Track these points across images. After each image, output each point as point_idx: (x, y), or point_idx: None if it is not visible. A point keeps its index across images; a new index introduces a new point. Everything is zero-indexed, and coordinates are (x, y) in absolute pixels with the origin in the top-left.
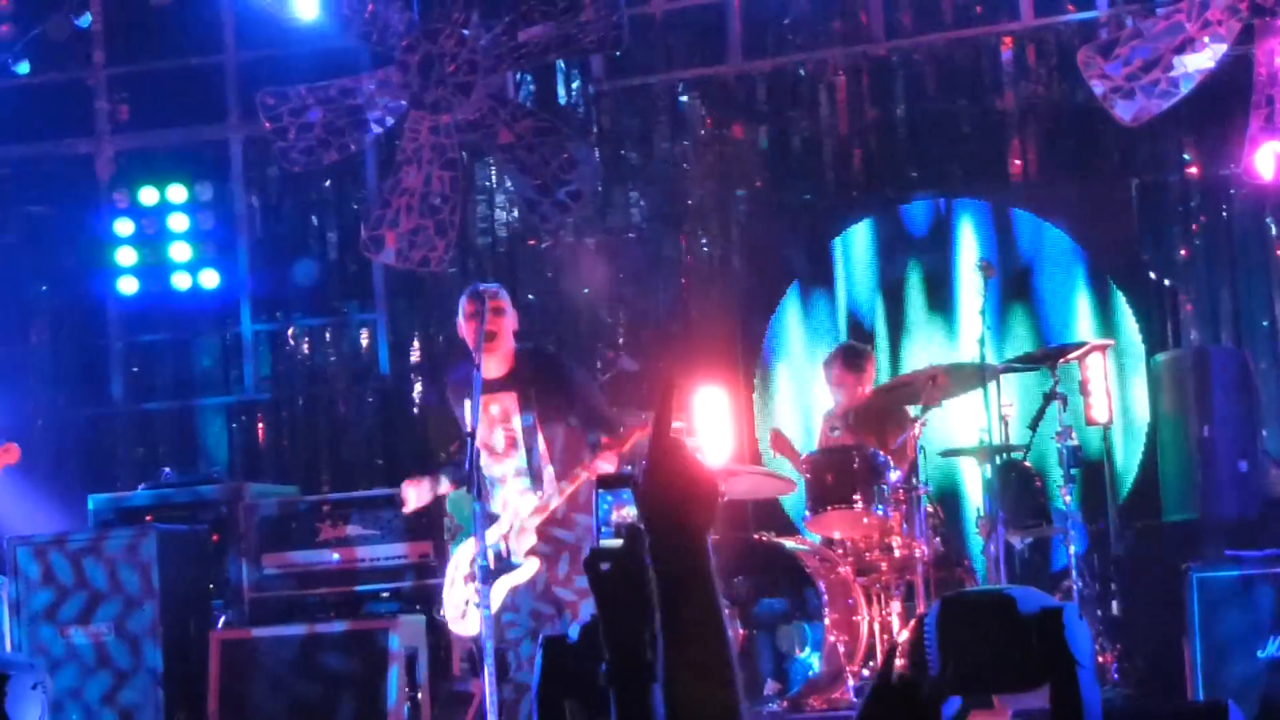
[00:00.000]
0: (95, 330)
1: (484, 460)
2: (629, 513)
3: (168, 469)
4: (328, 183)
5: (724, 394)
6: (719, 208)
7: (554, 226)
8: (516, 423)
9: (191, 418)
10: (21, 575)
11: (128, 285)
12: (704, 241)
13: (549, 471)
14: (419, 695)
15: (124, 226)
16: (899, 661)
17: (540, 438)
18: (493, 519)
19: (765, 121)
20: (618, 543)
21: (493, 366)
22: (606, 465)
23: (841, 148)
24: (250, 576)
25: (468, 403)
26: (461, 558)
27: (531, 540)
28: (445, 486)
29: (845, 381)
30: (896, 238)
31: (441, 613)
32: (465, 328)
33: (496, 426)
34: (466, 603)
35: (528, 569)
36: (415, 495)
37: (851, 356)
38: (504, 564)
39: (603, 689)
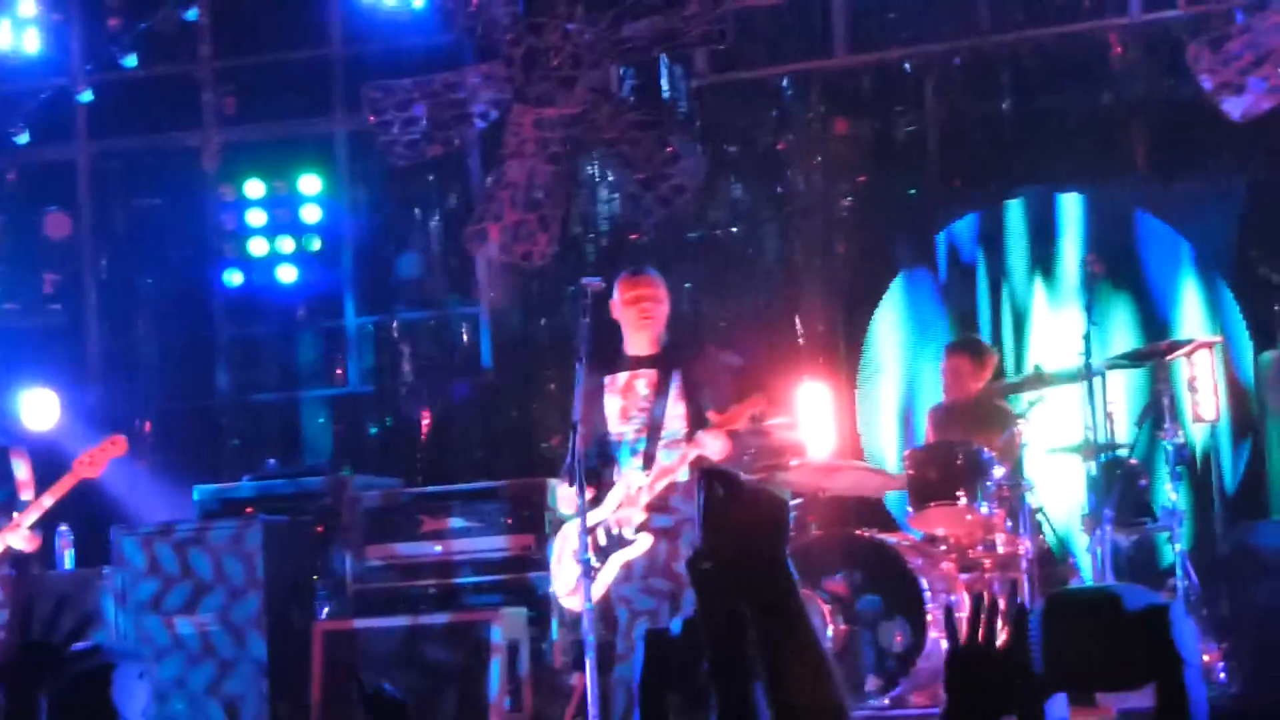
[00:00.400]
0: (201, 322)
1: (614, 427)
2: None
3: (273, 461)
4: (431, 177)
5: (826, 389)
6: (822, 202)
7: (656, 221)
8: (648, 401)
9: (296, 410)
10: (127, 565)
11: (233, 278)
12: (807, 236)
13: (671, 456)
14: (521, 687)
15: (230, 219)
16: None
17: (667, 420)
18: (599, 499)
19: (869, 115)
20: None
21: (643, 345)
22: (713, 441)
23: (946, 142)
24: (354, 568)
25: (607, 388)
26: (571, 532)
27: (641, 517)
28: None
29: (961, 374)
30: (1001, 232)
31: (552, 588)
32: (621, 310)
33: (634, 401)
34: (578, 578)
35: (641, 544)
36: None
37: (965, 349)
38: (616, 540)
39: (705, 685)
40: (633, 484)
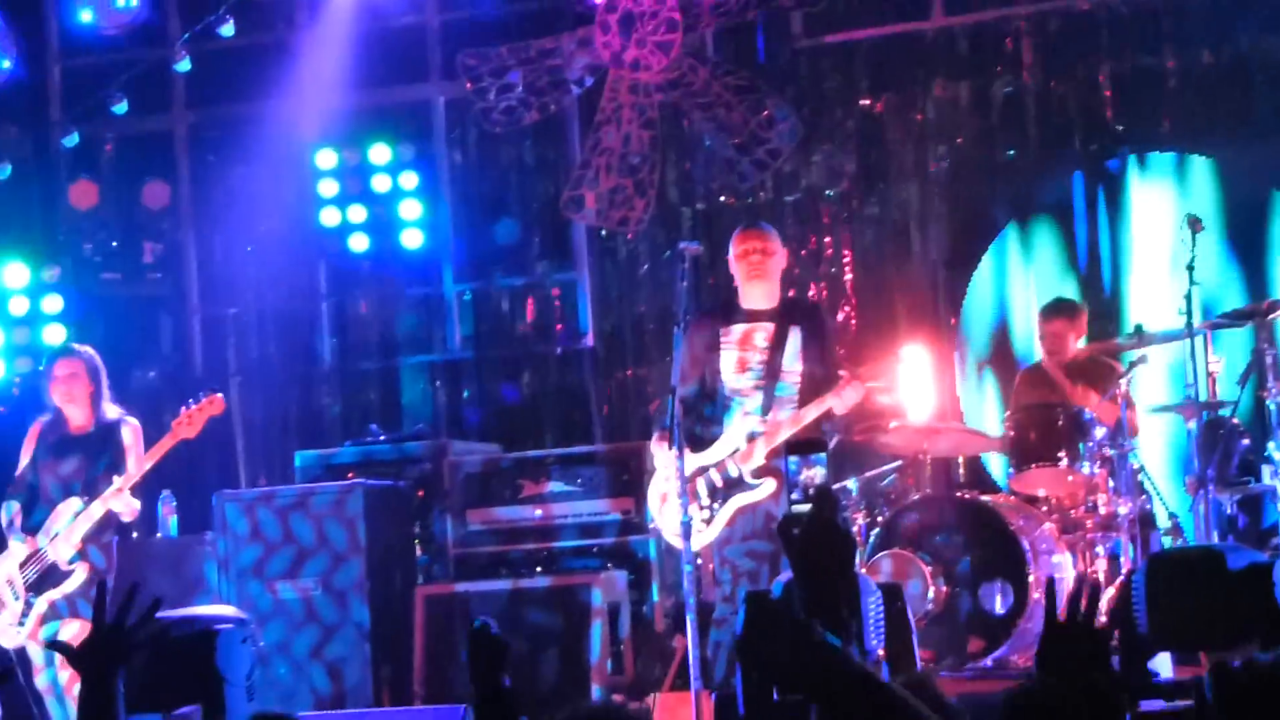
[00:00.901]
0: (302, 290)
1: (729, 379)
2: (818, 473)
3: (374, 426)
4: (528, 143)
5: (926, 351)
6: (920, 165)
7: (753, 185)
8: (765, 354)
9: (396, 376)
10: (230, 531)
11: (332, 245)
12: (905, 199)
13: (784, 407)
14: (622, 650)
15: (328, 187)
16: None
17: (784, 374)
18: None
19: (967, 77)
20: (807, 507)
21: (759, 299)
22: (852, 393)
23: (1044, 103)
24: (455, 532)
25: (723, 339)
26: (672, 471)
27: (759, 462)
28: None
29: (1058, 336)
30: (1100, 193)
31: (655, 524)
32: (734, 264)
33: (751, 353)
34: (689, 520)
35: (764, 489)
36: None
37: (1062, 310)
38: (736, 483)
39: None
40: (749, 430)
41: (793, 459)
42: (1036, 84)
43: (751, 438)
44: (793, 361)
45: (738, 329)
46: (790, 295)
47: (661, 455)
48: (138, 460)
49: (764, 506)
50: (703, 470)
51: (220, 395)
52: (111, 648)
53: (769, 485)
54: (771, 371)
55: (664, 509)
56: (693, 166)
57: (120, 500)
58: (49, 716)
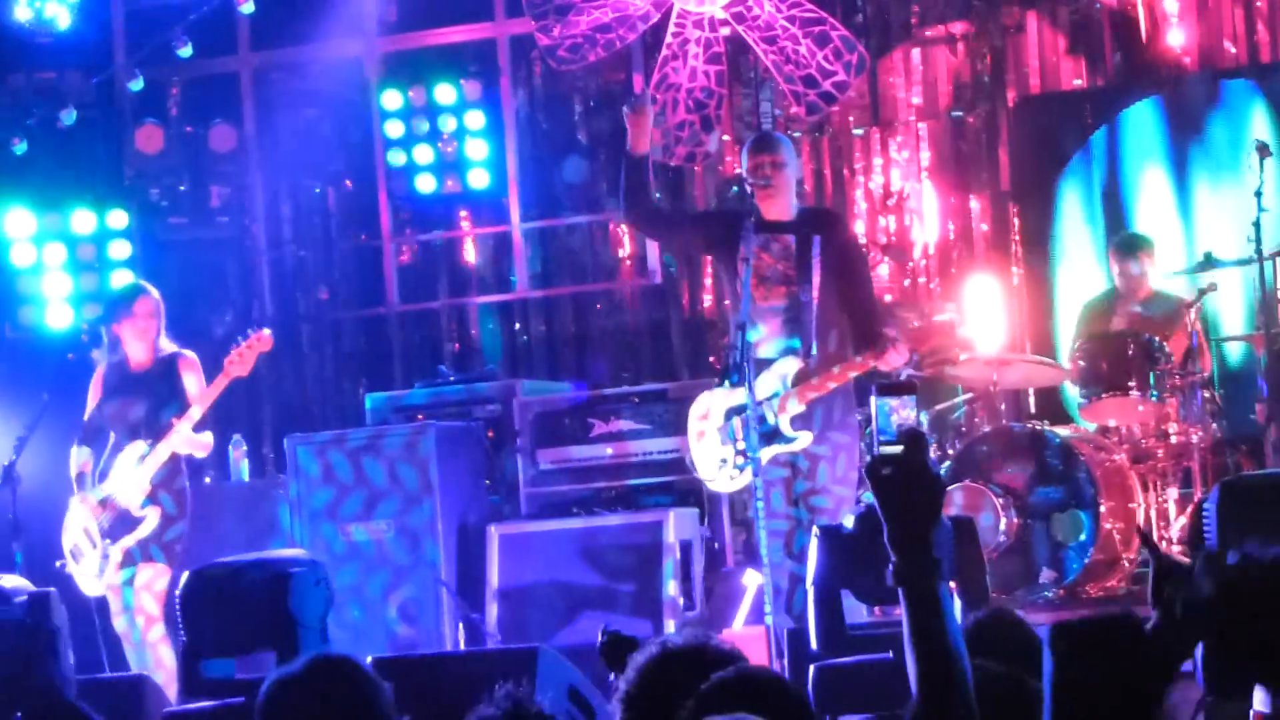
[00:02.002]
0: (368, 231)
1: (754, 295)
2: (909, 415)
3: (443, 367)
4: (594, 79)
5: (995, 282)
6: (989, 94)
7: (820, 118)
8: (788, 269)
9: (465, 316)
10: (302, 474)
11: (398, 186)
12: (974, 129)
13: (816, 329)
14: (694, 587)
15: (394, 128)
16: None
17: (813, 286)
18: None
19: (1033, 6)
20: (899, 448)
21: (774, 211)
22: (895, 357)
23: (1113, 30)
24: (526, 472)
25: (740, 252)
26: (713, 406)
27: (799, 409)
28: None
29: (1127, 266)
30: (1171, 120)
31: (690, 459)
32: (747, 180)
33: (771, 268)
34: (724, 461)
35: (801, 442)
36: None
37: (1133, 243)
38: (771, 432)
39: (891, 589)
40: (788, 372)
41: (883, 400)
42: (1104, 12)
43: (793, 385)
44: (818, 274)
45: (756, 239)
46: (807, 208)
47: (709, 393)
48: (200, 393)
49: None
50: (739, 411)
51: (268, 331)
52: None
53: (805, 439)
54: (797, 290)
55: (700, 446)
56: (759, 100)
57: (186, 441)
58: (125, 661)
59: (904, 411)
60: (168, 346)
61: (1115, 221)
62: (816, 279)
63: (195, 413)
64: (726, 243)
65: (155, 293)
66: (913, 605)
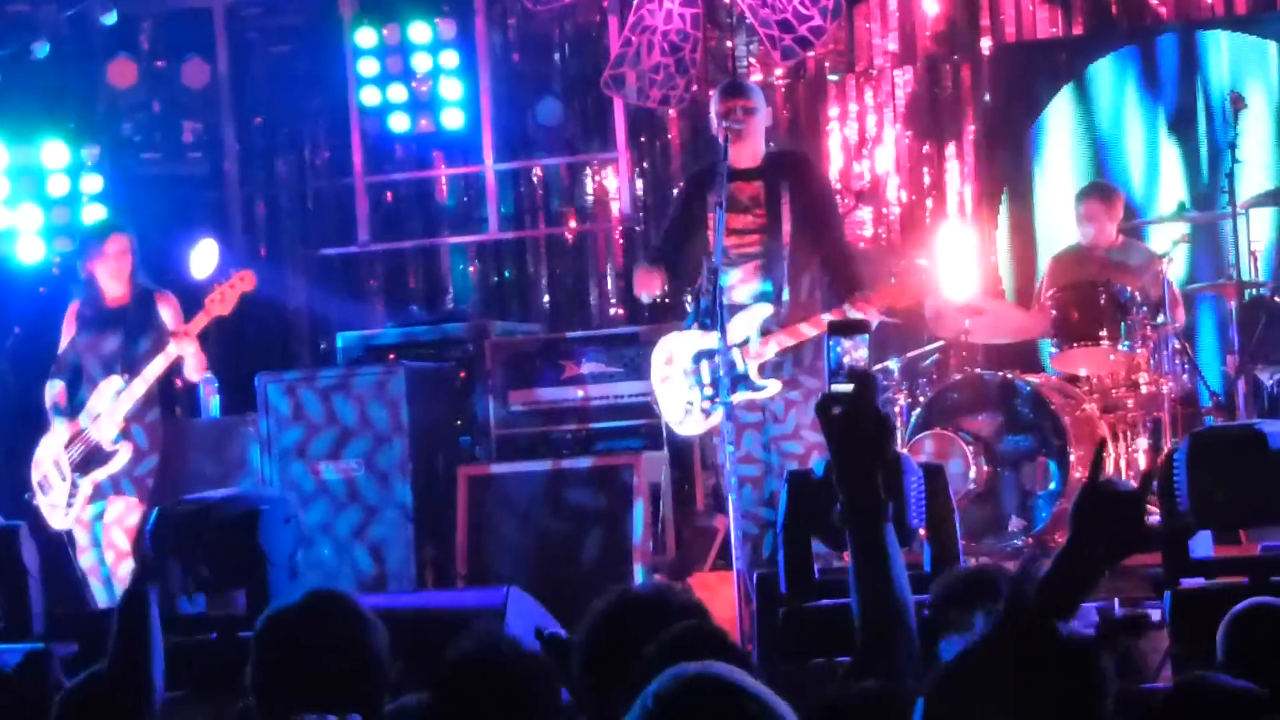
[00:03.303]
0: (340, 170)
1: (725, 243)
2: (861, 356)
3: (415, 307)
4: (568, 20)
5: (969, 229)
6: (965, 44)
7: (796, 63)
8: (757, 216)
9: (436, 256)
10: (272, 411)
11: (371, 125)
12: (949, 77)
13: (787, 276)
14: (664, 530)
15: (368, 66)
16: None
17: (784, 232)
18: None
19: None
20: (849, 387)
21: (743, 158)
22: (871, 312)
23: None
24: (496, 413)
25: (711, 198)
26: (677, 349)
27: (769, 356)
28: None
29: (1095, 217)
30: (1146, 71)
31: (656, 406)
32: (717, 126)
33: (742, 214)
34: (690, 404)
35: (769, 390)
36: (646, 284)
37: (1101, 193)
38: (740, 378)
39: (839, 529)
40: (759, 319)
41: (835, 339)
42: None
43: (764, 332)
44: (788, 221)
45: (726, 188)
46: (774, 152)
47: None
48: (178, 329)
49: (759, 419)
50: (708, 354)
51: (251, 272)
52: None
53: (774, 387)
54: (768, 237)
55: (665, 389)
56: (735, 44)
57: (193, 351)
58: (92, 598)
59: (855, 352)
60: (145, 283)
61: (1090, 171)
62: (787, 226)
63: (173, 349)
64: (700, 199)
65: (128, 231)
66: (858, 546)
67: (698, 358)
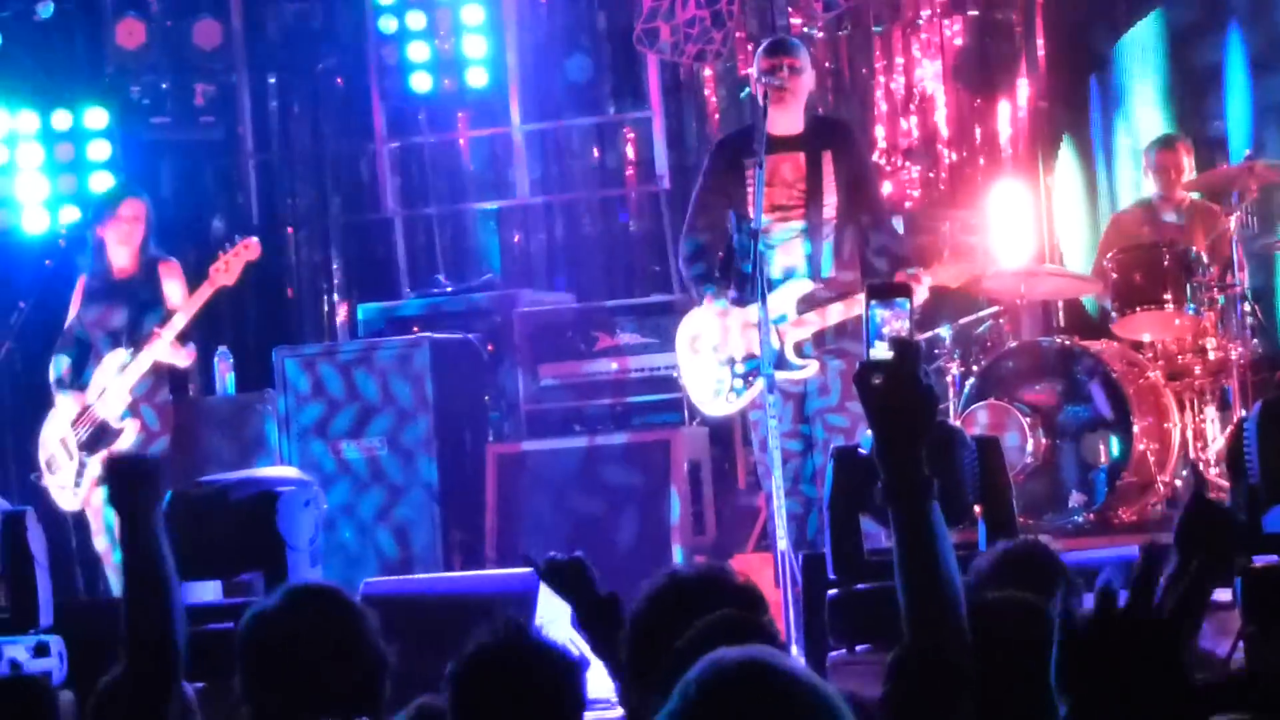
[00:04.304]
0: (362, 133)
1: (766, 222)
2: (901, 325)
3: (439, 276)
4: None
5: (1024, 189)
6: None
7: (837, 15)
8: (798, 189)
9: (462, 222)
10: (290, 388)
11: (392, 85)
12: (1000, 30)
13: (828, 251)
14: (703, 510)
15: (387, 23)
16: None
17: (823, 206)
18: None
19: None
20: (889, 355)
21: (783, 125)
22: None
23: None
24: (526, 387)
25: (749, 172)
26: (704, 326)
27: (805, 335)
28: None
29: (1163, 170)
30: (1209, 18)
31: (681, 382)
32: (756, 87)
33: (781, 187)
34: (719, 383)
35: (807, 371)
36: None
37: (1169, 145)
38: (774, 357)
39: (882, 506)
40: (796, 296)
41: (874, 307)
42: None
43: (801, 310)
44: (831, 194)
45: (766, 161)
46: (816, 118)
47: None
48: (183, 301)
49: (799, 390)
50: (740, 329)
51: (255, 240)
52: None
53: (811, 369)
54: (811, 212)
55: (692, 369)
56: None
57: (168, 350)
58: (104, 581)
59: (896, 323)
60: (152, 253)
61: (1154, 122)
62: (831, 199)
63: (179, 320)
64: (733, 169)
65: (144, 196)
66: (901, 526)
67: (726, 334)
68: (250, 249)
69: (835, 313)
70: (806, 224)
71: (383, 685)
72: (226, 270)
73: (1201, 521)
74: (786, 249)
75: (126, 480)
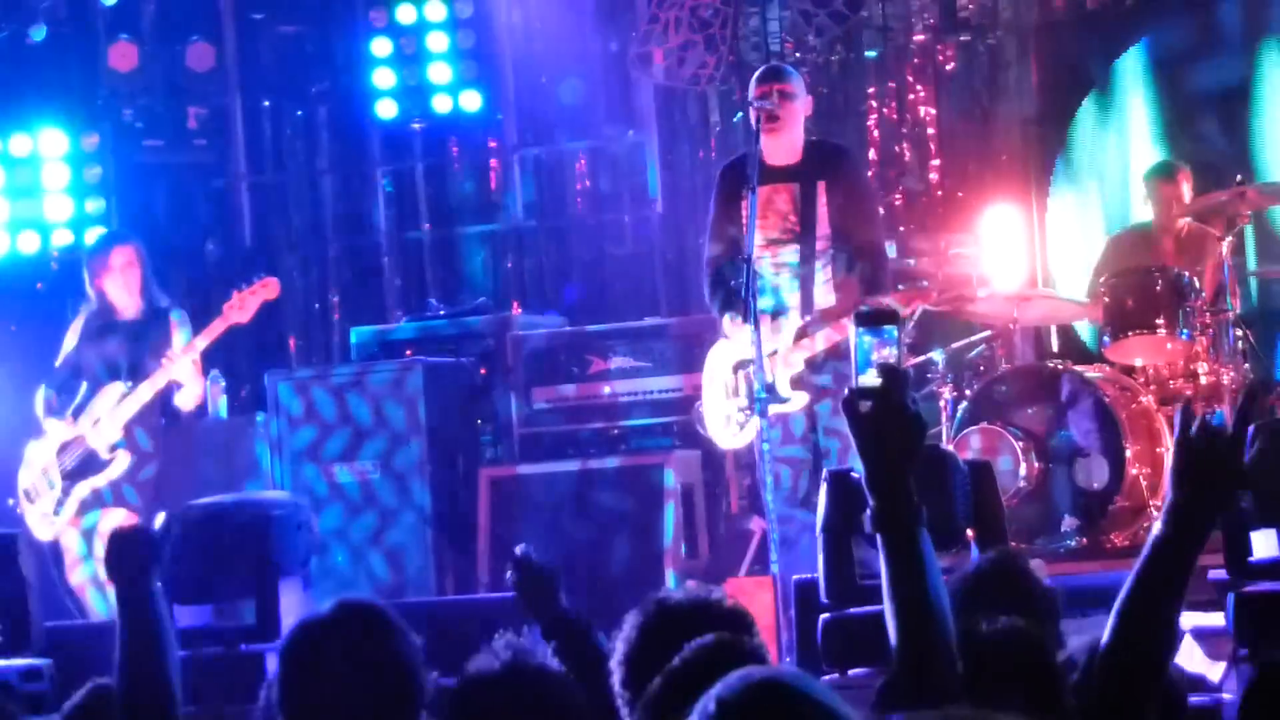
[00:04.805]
0: (354, 156)
1: (755, 250)
2: (890, 353)
3: (432, 300)
4: None
5: (1016, 212)
6: (1013, 13)
7: (830, 39)
8: (791, 220)
9: (454, 246)
10: (283, 412)
11: (386, 109)
12: (993, 51)
13: (820, 282)
14: (696, 533)
15: (381, 47)
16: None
17: (816, 238)
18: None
19: None
20: (877, 382)
21: (779, 154)
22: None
23: None
24: (519, 411)
25: (744, 202)
26: (718, 360)
27: (797, 369)
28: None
29: (1159, 197)
30: (1203, 43)
31: (701, 417)
32: (751, 114)
33: (775, 220)
34: (728, 417)
35: (795, 402)
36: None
37: (1165, 172)
38: (769, 394)
39: (871, 534)
40: (786, 330)
41: (861, 335)
42: None
43: (787, 341)
44: (824, 224)
45: (760, 191)
46: (813, 141)
47: (732, 330)
48: (186, 344)
49: (791, 419)
50: (744, 364)
51: (275, 279)
52: (141, 545)
53: (800, 399)
54: (803, 243)
55: (708, 402)
56: (767, 20)
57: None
58: (85, 610)
59: (884, 350)
60: (162, 300)
61: (1148, 149)
62: (821, 230)
63: (185, 362)
64: (735, 195)
65: (133, 240)
66: (890, 553)
67: (736, 369)
68: (269, 288)
69: (822, 339)
70: (799, 257)
71: (420, 708)
72: (242, 308)
73: (1194, 455)
74: (779, 281)
75: (128, 553)
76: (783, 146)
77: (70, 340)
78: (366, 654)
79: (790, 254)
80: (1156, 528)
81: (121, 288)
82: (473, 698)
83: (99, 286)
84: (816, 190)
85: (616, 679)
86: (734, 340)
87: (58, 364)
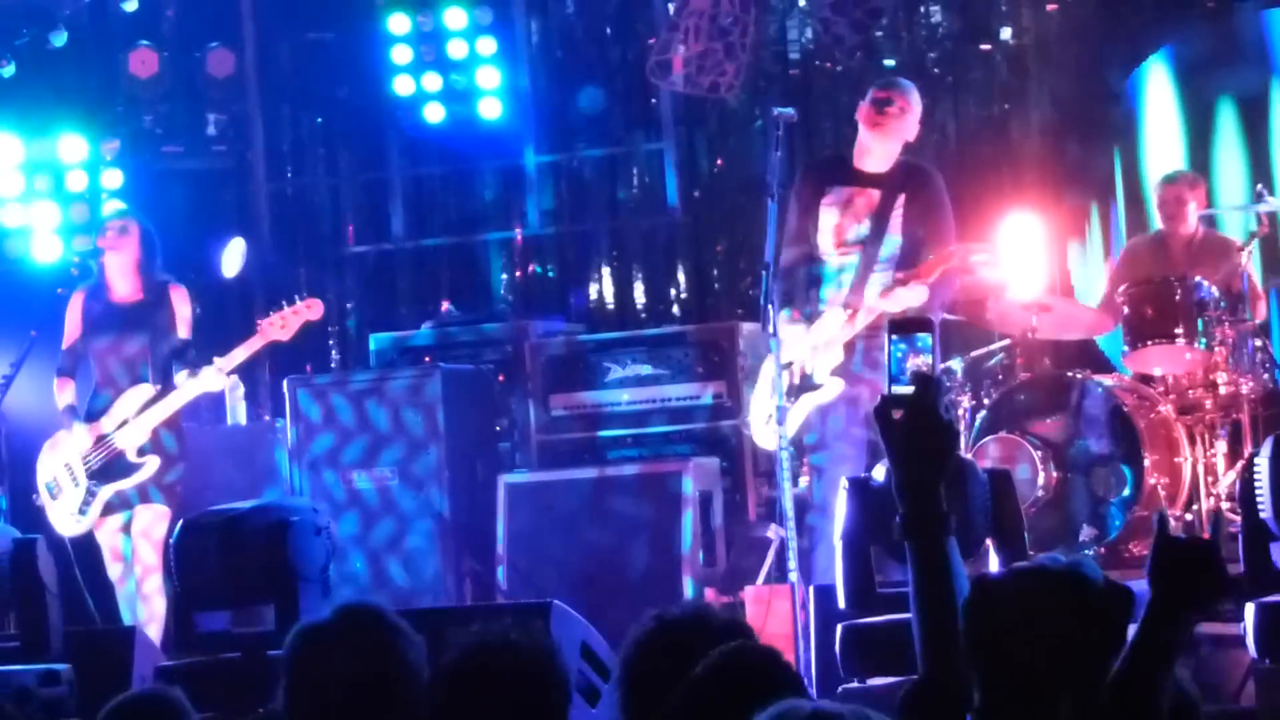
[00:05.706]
0: (373, 163)
1: (825, 246)
2: (923, 360)
3: (451, 307)
4: (612, 5)
5: (1036, 220)
6: (1034, 21)
7: (850, 47)
8: (866, 224)
9: (474, 253)
10: (302, 418)
11: (405, 115)
12: (1014, 61)
13: (878, 286)
14: (714, 540)
15: (401, 54)
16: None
17: (882, 245)
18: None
19: None
20: (910, 390)
21: (872, 160)
22: (908, 294)
23: None
24: (538, 418)
25: (825, 199)
26: (768, 364)
27: (837, 358)
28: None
29: (1175, 206)
30: (1223, 52)
31: (747, 418)
32: (861, 115)
33: (851, 221)
34: (769, 416)
35: (830, 389)
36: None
37: (1182, 180)
38: (805, 382)
39: (899, 541)
40: (834, 324)
41: (896, 342)
42: None
43: (834, 333)
44: (895, 235)
45: (842, 191)
46: (906, 163)
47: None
48: (188, 329)
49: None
50: (786, 365)
51: (319, 301)
52: None
53: (835, 386)
54: (870, 248)
55: (757, 399)
56: (786, 28)
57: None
58: (114, 609)
59: (917, 358)
60: (158, 275)
61: (1166, 156)
62: (890, 239)
63: (214, 371)
64: (817, 195)
65: (137, 217)
66: (918, 559)
67: (780, 368)
68: (313, 309)
69: (857, 325)
70: (861, 260)
71: (423, 709)
72: (283, 326)
73: (1170, 558)
74: (839, 280)
75: None
76: (878, 153)
77: (72, 322)
78: (367, 657)
79: (854, 256)
80: (1137, 629)
81: (118, 268)
82: (458, 670)
83: (101, 262)
84: (896, 201)
85: (615, 694)
86: (784, 339)
87: (64, 348)
